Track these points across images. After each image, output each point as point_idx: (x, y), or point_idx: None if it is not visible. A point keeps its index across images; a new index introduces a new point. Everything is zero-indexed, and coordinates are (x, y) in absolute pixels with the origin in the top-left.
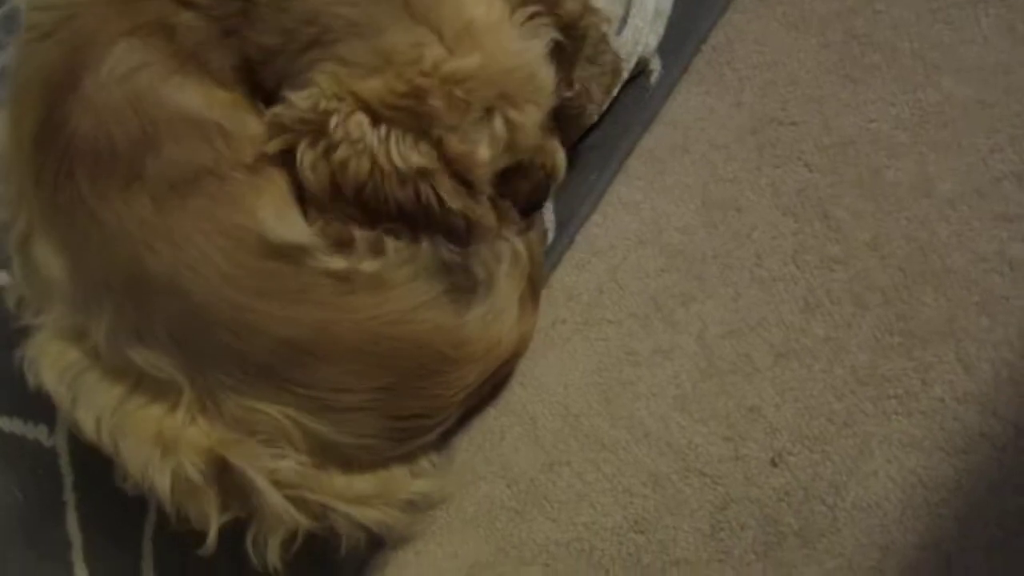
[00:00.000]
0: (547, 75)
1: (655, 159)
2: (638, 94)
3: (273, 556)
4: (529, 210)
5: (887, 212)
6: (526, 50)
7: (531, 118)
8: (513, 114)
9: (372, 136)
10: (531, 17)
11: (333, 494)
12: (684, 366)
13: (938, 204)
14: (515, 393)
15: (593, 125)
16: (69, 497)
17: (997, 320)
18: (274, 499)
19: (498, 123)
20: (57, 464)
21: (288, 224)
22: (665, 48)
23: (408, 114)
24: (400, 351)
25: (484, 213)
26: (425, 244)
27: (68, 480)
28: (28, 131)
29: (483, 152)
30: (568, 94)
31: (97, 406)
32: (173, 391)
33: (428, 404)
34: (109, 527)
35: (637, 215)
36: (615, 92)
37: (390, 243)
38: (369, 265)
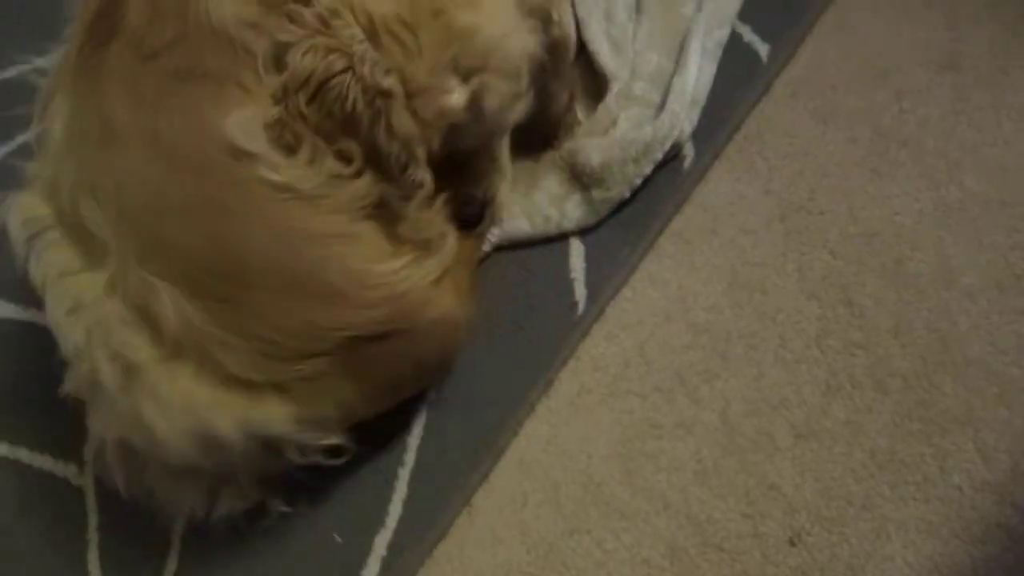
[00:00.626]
0: (526, 66)
1: (685, 239)
2: (671, 177)
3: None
4: (465, 227)
5: (909, 301)
6: (520, 37)
7: (503, 90)
8: (490, 80)
9: (359, 46)
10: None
11: (173, 391)
12: (706, 441)
13: (959, 296)
14: (538, 459)
15: (626, 202)
16: (92, 536)
17: (1015, 411)
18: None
19: (474, 81)
20: (83, 503)
21: (249, 136)
22: (699, 135)
23: (398, 44)
24: (301, 267)
25: (421, 163)
26: (363, 181)
27: (93, 519)
28: (88, 14)
29: (455, 99)
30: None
31: (46, 265)
32: (102, 253)
33: (305, 328)
34: (129, 568)
35: (665, 292)
36: (648, 171)
37: (331, 163)
38: (306, 183)
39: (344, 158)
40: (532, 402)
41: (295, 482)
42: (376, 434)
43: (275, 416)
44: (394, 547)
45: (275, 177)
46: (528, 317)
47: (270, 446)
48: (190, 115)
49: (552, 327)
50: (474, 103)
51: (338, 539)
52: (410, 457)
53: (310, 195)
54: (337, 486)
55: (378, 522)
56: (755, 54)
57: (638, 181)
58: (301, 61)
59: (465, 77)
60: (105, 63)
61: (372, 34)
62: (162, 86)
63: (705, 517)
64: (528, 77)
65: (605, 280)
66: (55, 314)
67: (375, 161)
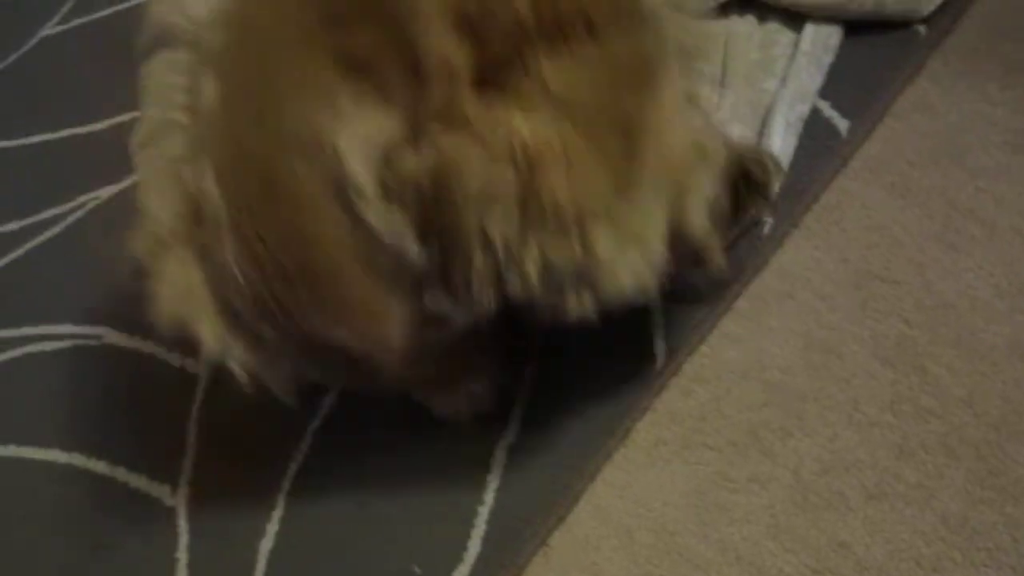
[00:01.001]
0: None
1: (762, 302)
2: (750, 243)
3: None
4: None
5: (983, 372)
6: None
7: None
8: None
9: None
10: None
11: None
12: (779, 496)
13: None
14: (613, 505)
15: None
16: (182, 555)
17: None
18: None
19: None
20: (175, 523)
21: (362, 163)
22: (779, 204)
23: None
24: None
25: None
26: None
27: (183, 540)
28: None
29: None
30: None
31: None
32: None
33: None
34: None
35: (742, 351)
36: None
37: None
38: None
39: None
40: (610, 450)
41: (376, 512)
42: (456, 470)
43: None
44: None
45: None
46: (608, 368)
47: None
48: (321, 115)
49: (631, 379)
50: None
51: (417, 571)
52: (489, 496)
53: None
54: (418, 520)
55: (457, 557)
56: (835, 129)
57: None
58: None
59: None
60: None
61: None
62: (314, 67)
63: (776, 571)
64: None
65: (683, 337)
66: None
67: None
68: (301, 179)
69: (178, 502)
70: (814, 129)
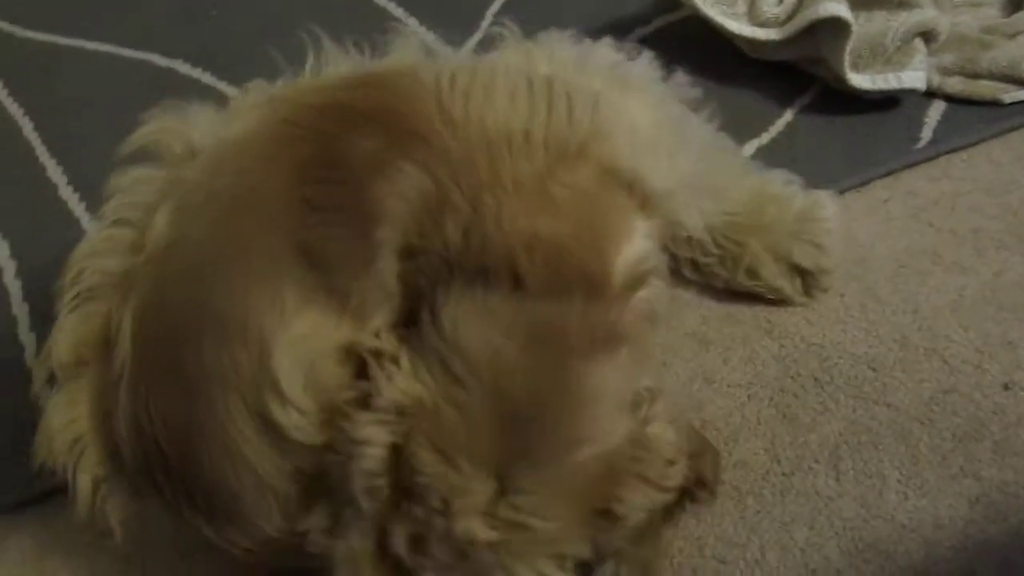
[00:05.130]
0: None
1: None
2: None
3: None
4: None
5: None
6: None
7: None
8: None
9: None
10: None
11: None
12: (973, 285)
13: None
14: None
15: None
16: None
17: None
18: None
19: None
20: None
21: (291, 363)
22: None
23: None
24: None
25: None
26: None
27: None
28: None
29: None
30: None
31: None
32: None
33: None
34: None
35: (997, 172)
36: None
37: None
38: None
39: None
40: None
41: None
42: None
43: None
44: None
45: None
46: (870, 136)
47: None
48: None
49: (890, 149)
50: None
51: None
52: None
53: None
54: None
55: None
56: None
57: None
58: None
59: None
60: None
61: None
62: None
63: (944, 337)
64: None
65: (951, 137)
66: None
67: None
68: (208, 363)
69: None
70: None
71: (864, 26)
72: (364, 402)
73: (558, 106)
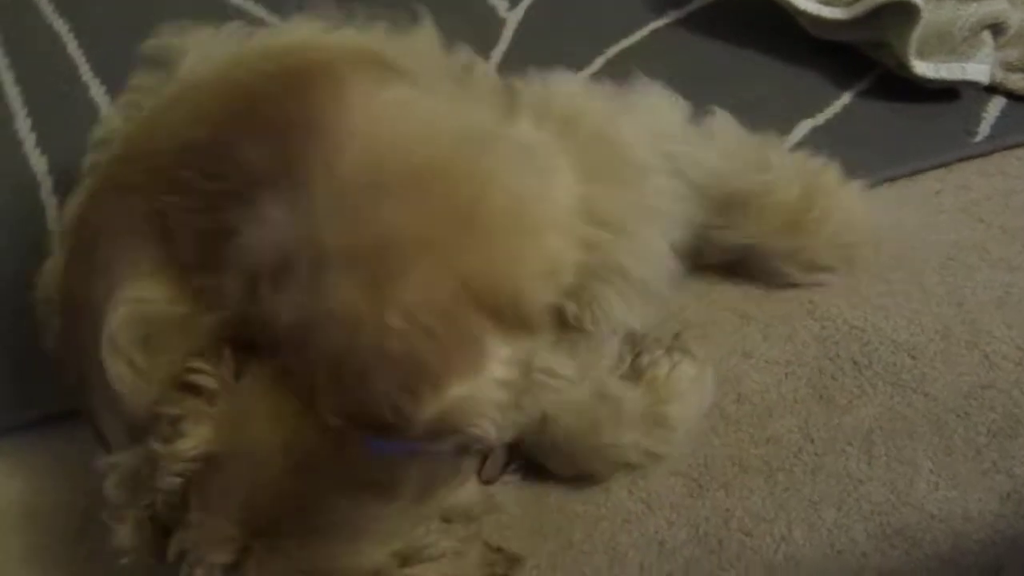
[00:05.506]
0: None
1: None
2: None
3: None
4: None
5: None
6: None
7: None
8: None
9: None
10: None
11: None
12: (1020, 283)
13: None
14: None
15: None
16: None
17: None
18: None
19: None
20: None
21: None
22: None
23: None
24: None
25: None
26: None
27: None
28: None
29: None
30: None
31: None
32: None
33: None
34: None
35: None
36: None
37: None
38: None
39: None
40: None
41: None
42: None
43: None
44: None
45: None
46: (926, 126)
47: None
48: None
49: (946, 142)
50: None
51: None
52: None
53: None
54: None
55: None
56: None
57: None
58: None
59: None
60: None
61: None
62: None
63: (987, 332)
64: None
65: (1009, 133)
66: None
67: None
68: (88, 283)
69: None
70: None
71: (933, 13)
72: (178, 422)
73: (466, 190)
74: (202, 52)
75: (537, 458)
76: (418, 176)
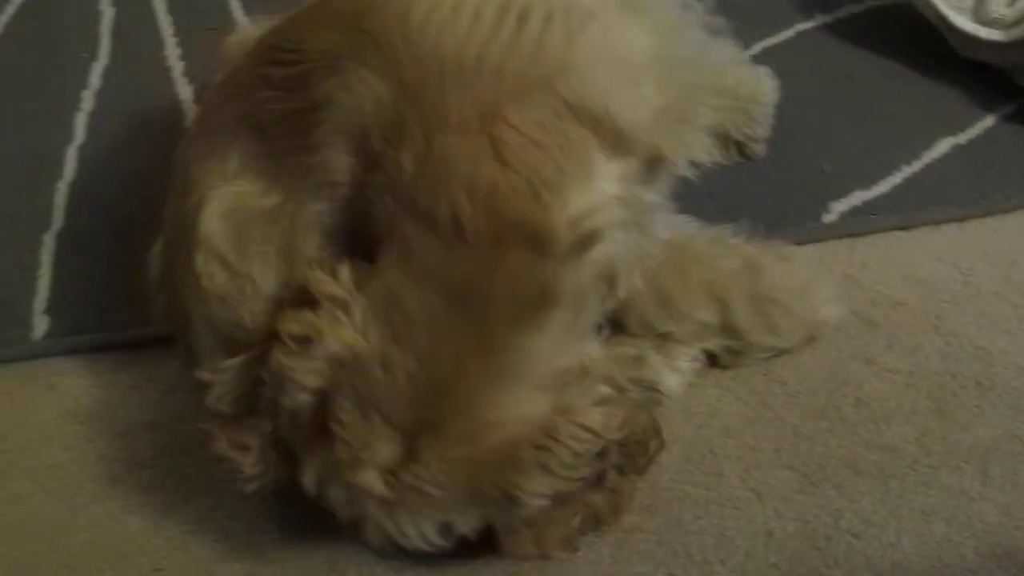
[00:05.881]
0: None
1: None
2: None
3: None
4: None
5: None
6: None
7: None
8: None
9: None
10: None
11: None
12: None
13: None
14: None
15: None
16: None
17: None
18: None
19: None
20: None
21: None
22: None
23: None
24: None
25: None
26: None
27: None
28: None
29: None
30: None
31: None
32: None
33: None
34: None
35: None
36: None
37: None
38: None
39: None
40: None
41: None
42: None
43: None
44: None
45: None
46: None
47: None
48: None
49: None
50: None
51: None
52: None
53: None
54: None
55: None
56: None
57: None
58: None
59: None
60: None
61: None
62: None
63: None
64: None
65: None
66: None
67: None
68: (180, 211)
69: None
70: None
71: None
72: (304, 340)
73: (526, 31)
74: None
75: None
76: (486, 16)
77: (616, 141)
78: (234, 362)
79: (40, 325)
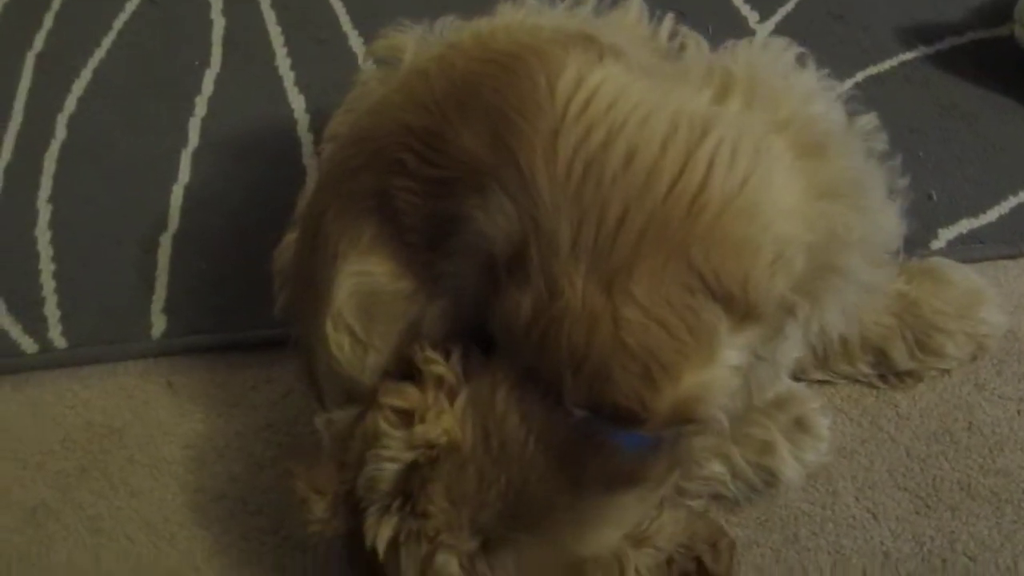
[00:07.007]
0: None
1: None
2: None
3: None
4: None
5: None
6: None
7: None
8: None
9: None
10: None
11: None
12: None
13: None
14: None
15: None
16: None
17: None
18: None
19: None
20: None
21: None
22: None
23: None
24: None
25: None
26: None
27: None
28: None
29: None
30: None
31: None
32: None
33: None
34: None
35: None
36: None
37: None
38: None
39: None
40: None
41: None
42: None
43: None
44: None
45: None
46: None
47: None
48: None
49: None
50: None
51: None
52: None
53: None
54: None
55: None
56: None
57: None
58: None
59: None
60: None
61: None
62: None
63: None
64: None
65: None
66: None
67: None
68: (314, 254)
69: None
70: None
71: None
72: (405, 414)
73: (688, 177)
74: (421, 44)
75: None
76: (638, 162)
77: (748, 314)
78: (345, 415)
79: (158, 324)
